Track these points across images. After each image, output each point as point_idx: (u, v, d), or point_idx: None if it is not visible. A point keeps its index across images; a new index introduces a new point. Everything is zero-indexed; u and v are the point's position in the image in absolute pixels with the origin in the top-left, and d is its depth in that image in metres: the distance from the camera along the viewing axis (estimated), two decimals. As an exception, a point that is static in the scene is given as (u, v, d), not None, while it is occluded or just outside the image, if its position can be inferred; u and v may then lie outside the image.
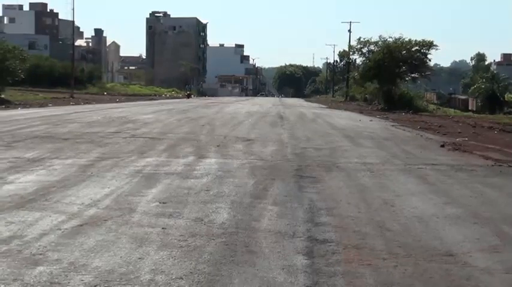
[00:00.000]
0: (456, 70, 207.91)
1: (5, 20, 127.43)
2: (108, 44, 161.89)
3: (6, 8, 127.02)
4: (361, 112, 48.85)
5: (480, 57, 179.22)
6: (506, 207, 10.64)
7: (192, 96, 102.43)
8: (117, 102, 59.38)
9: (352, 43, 76.87)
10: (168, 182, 12.12)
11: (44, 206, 9.60)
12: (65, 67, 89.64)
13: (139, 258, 6.99)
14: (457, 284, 6.42)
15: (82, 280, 6.18)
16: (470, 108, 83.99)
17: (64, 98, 60.57)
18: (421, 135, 25.58)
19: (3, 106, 41.39)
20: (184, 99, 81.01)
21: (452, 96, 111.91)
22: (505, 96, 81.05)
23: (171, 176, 12.86)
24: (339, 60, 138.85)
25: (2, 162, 14.18)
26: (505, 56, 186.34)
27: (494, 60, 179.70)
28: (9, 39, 70.69)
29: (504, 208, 10.57)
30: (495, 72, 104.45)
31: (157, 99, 76.60)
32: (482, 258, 7.38)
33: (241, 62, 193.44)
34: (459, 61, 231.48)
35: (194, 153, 16.96)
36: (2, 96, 48.10)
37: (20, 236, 7.74)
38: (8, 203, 9.69)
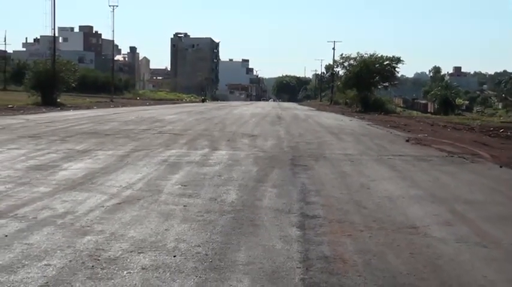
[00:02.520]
0: (418, 80, 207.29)
1: (60, 40, 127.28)
2: (140, 58, 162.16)
3: (61, 29, 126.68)
4: (343, 114, 48.75)
5: (437, 70, 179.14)
6: (457, 189, 10.63)
7: (207, 100, 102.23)
8: (147, 105, 59.38)
9: (336, 58, 76.57)
10: (188, 169, 12.13)
11: (91, 188, 9.62)
12: (106, 77, 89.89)
13: (166, 230, 7.00)
14: (418, 251, 6.42)
15: (121, 247, 6.19)
16: (429, 110, 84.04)
17: (106, 102, 60.68)
18: (391, 132, 25.54)
19: (59, 108, 41.42)
20: (200, 103, 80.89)
21: (415, 101, 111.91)
22: (456, 100, 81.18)
23: (191, 164, 12.87)
24: (325, 72, 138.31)
25: (58, 153, 14.21)
26: (456, 69, 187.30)
27: (447, 72, 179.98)
28: (63, 55, 71.10)
29: (455, 190, 10.56)
30: (448, 81, 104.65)
31: (179, 103, 76.58)
32: (439, 230, 7.37)
33: (247, 73, 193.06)
34: (420, 73, 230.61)
35: (209, 146, 16.96)
36: (58, 100, 48.16)
37: (72, 212, 7.76)
38: (63, 186, 9.72)
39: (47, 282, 5.05)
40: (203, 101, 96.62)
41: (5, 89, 73.04)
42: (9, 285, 4.94)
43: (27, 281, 5.07)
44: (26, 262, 5.59)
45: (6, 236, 6.48)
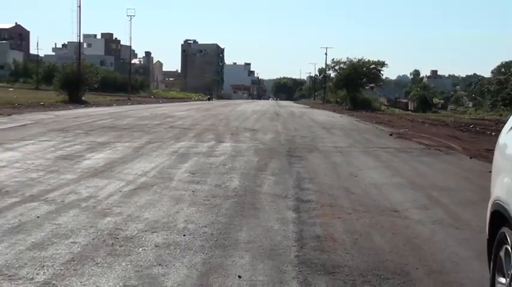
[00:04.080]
0: (400, 81, 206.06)
1: (85, 45, 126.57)
2: (154, 62, 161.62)
3: (85, 36, 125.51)
4: (334, 111, 48.72)
5: (416, 73, 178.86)
6: (433, 178, 10.64)
7: (213, 99, 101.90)
8: (160, 103, 59.34)
9: (328, 62, 76.49)
10: (196, 159, 12.14)
11: (110, 175, 9.64)
12: (124, 78, 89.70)
13: (176, 212, 7.01)
14: (399, 231, 6.43)
15: (136, 227, 6.20)
16: (409, 108, 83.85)
17: (123, 100, 60.59)
18: (376, 127, 25.55)
19: (83, 105, 41.39)
20: (207, 101, 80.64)
21: (398, 100, 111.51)
22: (433, 100, 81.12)
23: (198, 155, 12.87)
24: (318, 74, 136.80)
25: (82, 144, 14.22)
26: (433, 72, 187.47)
27: (425, 75, 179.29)
28: (87, 58, 70.99)
29: (432, 178, 10.58)
30: (426, 83, 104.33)
31: (188, 101, 76.52)
32: (417, 213, 7.39)
33: (249, 75, 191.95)
34: (402, 75, 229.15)
35: (215, 139, 16.96)
36: (83, 98, 48.21)
37: (94, 196, 7.77)
38: (87, 173, 9.74)
39: (73, 258, 5.07)
40: (209, 99, 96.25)
41: (38, 89, 73.01)
42: (40, 260, 4.96)
43: (56, 256, 5.08)
44: (55, 240, 5.61)
45: (38, 217, 6.50)
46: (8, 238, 5.61)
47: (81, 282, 4.47)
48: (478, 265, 5.08)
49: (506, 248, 3.64)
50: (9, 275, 4.56)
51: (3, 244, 5.42)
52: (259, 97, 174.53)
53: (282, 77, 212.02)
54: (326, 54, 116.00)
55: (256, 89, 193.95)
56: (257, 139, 17.42)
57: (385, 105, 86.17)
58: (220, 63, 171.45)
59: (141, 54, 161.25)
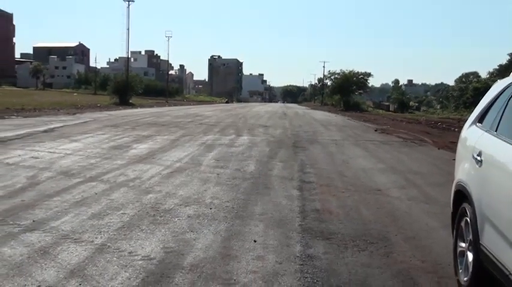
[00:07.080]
0: (383, 88, 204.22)
1: (132, 60, 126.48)
2: (187, 73, 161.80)
3: (132, 52, 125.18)
4: (330, 112, 48.37)
5: (396, 81, 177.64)
6: (410, 164, 10.57)
7: (234, 101, 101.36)
8: (191, 105, 59.33)
9: (325, 73, 76.36)
10: (220, 149, 12.15)
11: (152, 161, 9.69)
12: (163, 85, 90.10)
13: (204, 190, 7.04)
14: (382, 205, 6.41)
15: (173, 202, 6.25)
16: (390, 109, 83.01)
17: (162, 102, 60.69)
18: (364, 124, 25.38)
19: (130, 107, 41.53)
20: (226, 104, 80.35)
21: (381, 103, 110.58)
22: (409, 103, 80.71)
23: (222, 146, 12.89)
24: (318, 82, 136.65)
25: (129, 137, 14.29)
26: (409, 81, 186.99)
27: (403, 83, 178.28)
28: (133, 70, 71.25)
29: (409, 165, 10.51)
30: (404, 90, 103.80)
31: (213, 104, 76.48)
32: (396, 192, 7.36)
33: (262, 83, 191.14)
34: (385, 83, 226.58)
35: (235, 133, 16.96)
36: (130, 101, 48.48)
37: (139, 178, 7.83)
38: (133, 160, 9.79)
39: (123, 225, 5.12)
40: (227, 102, 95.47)
41: (95, 94, 73.80)
42: (98, 227, 5.02)
43: (110, 224, 5.14)
44: (109, 212, 5.67)
45: (96, 194, 6.57)
46: (74, 210, 5.69)
47: (129, 244, 4.51)
48: (444, 233, 5.05)
49: (466, 220, 3.68)
50: (75, 239, 4.63)
51: (70, 214, 5.49)
52: (270, 101, 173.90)
53: (288, 84, 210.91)
54: (324, 67, 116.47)
55: (268, 94, 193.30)
56: (269, 133, 17.39)
57: (371, 107, 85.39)
58: (240, 74, 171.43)
59: (176, 66, 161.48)
